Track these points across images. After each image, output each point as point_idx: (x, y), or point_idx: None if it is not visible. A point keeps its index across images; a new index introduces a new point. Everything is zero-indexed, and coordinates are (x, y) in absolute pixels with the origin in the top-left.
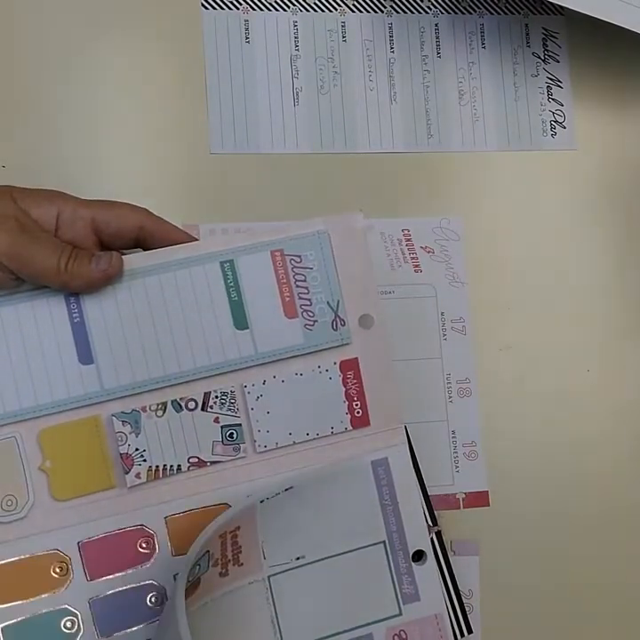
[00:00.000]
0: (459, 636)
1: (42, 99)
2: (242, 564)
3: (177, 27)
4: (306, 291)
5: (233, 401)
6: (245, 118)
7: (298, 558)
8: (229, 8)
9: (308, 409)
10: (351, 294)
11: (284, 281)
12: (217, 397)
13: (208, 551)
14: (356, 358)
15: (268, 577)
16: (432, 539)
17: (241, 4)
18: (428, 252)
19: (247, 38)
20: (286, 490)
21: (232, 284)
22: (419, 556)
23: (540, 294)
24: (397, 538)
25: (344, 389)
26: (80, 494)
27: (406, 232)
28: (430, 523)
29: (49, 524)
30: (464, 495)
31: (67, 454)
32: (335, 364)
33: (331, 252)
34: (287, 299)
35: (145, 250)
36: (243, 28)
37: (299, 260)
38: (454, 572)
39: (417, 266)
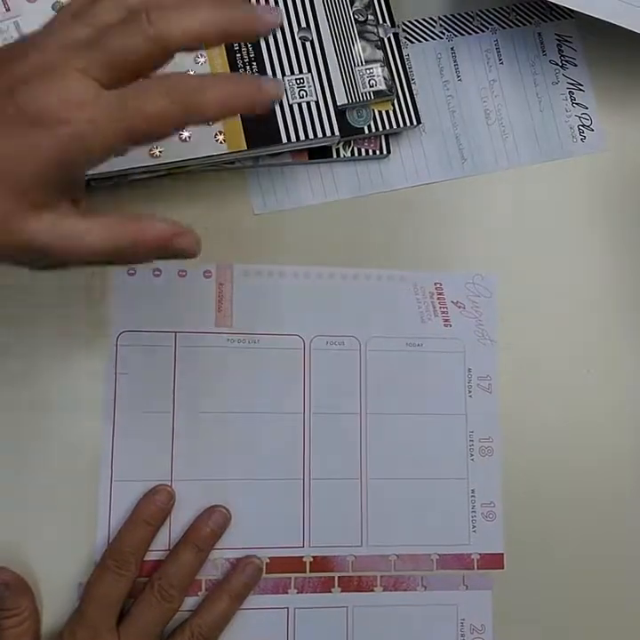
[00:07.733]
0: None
1: None
2: None
3: None
4: None
5: None
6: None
7: None
8: None
9: None
10: None
11: None
12: None
13: None
14: None
15: None
16: (389, 39)
17: None
18: (460, 307)
19: None
20: None
21: None
22: None
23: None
24: None
25: None
26: None
27: (438, 285)
28: (389, 23)
29: None
30: (479, 556)
31: None
32: None
33: None
34: None
35: None
36: None
37: None
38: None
39: (447, 320)
